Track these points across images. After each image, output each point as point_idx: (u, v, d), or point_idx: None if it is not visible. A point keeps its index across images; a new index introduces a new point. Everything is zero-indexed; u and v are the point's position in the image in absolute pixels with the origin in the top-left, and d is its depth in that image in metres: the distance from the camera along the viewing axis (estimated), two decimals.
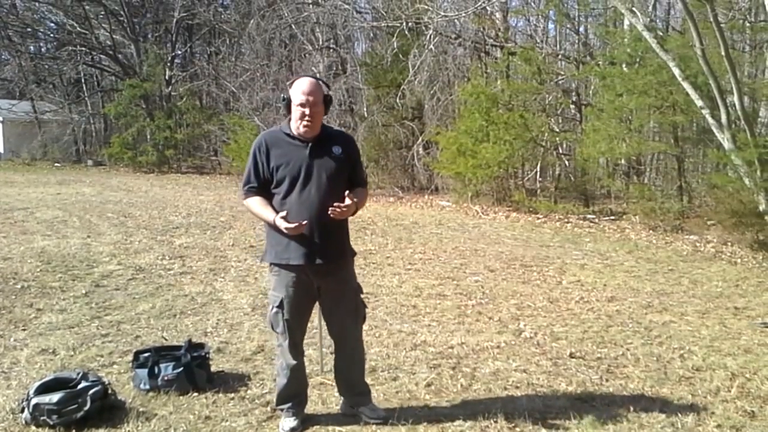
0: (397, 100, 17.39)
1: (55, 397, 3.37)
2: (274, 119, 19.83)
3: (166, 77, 26.16)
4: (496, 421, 3.50)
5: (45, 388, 3.45)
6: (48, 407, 3.34)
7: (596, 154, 12.90)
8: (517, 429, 3.43)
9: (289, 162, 3.29)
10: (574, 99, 15.91)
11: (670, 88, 11.20)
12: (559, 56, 17.34)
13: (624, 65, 13.03)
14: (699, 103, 10.12)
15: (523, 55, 14.72)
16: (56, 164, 26.31)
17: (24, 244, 8.40)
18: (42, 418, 3.34)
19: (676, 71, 10.20)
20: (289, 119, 3.34)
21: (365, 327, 5.13)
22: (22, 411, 3.42)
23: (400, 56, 17.50)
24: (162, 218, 11.15)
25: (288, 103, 3.28)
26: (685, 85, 10.20)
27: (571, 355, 4.62)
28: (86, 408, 3.39)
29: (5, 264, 7.19)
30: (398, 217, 12.44)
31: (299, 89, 3.25)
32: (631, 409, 3.70)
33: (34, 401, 3.37)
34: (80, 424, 3.34)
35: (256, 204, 3.37)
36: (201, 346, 4.20)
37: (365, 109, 19.44)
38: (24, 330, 4.96)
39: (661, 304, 6.20)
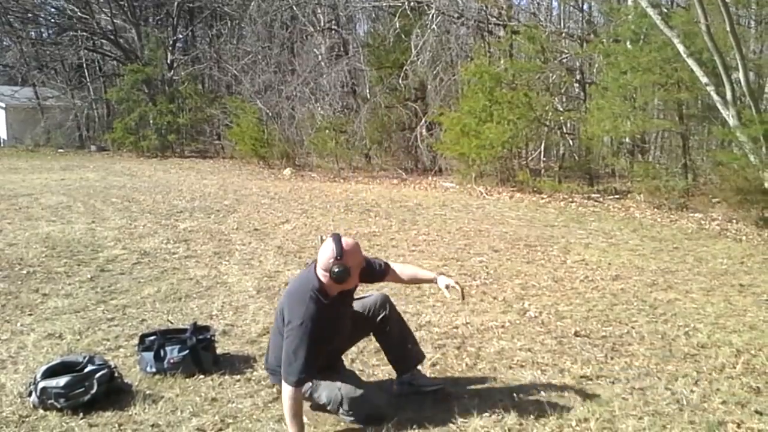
0: (400, 81, 17.33)
1: (62, 380, 3.38)
2: (276, 102, 19.79)
3: (168, 61, 26.09)
4: (501, 400, 3.51)
5: (52, 372, 3.47)
6: (55, 391, 3.36)
7: (600, 132, 12.84)
8: (522, 407, 3.44)
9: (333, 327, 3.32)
10: (578, 77, 15.81)
11: (674, 65, 11.10)
12: (563, 34, 17.20)
13: (628, 42, 12.91)
14: (704, 79, 10.03)
15: (527, 33, 14.62)
16: (59, 150, 26.33)
17: (29, 229, 8.42)
18: (49, 401, 3.36)
19: (681, 48, 10.11)
20: (317, 276, 3.26)
21: None
22: (30, 395, 3.44)
23: (403, 36, 17.41)
24: (166, 202, 11.16)
25: (348, 272, 3.20)
26: (690, 62, 10.11)
27: (576, 334, 4.62)
28: (93, 391, 3.41)
29: (11, 250, 7.21)
30: (402, 199, 12.43)
31: (357, 266, 3.30)
32: (636, 386, 3.71)
33: (41, 385, 3.39)
34: (87, 407, 3.36)
35: (299, 408, 3.14)
36: (206, 328, 4.21)
37: (368, 91, 19.37)
38: (30, 315, 4.98)
39: (665, 282, 6.20)
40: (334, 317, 3.27)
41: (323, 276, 3.22)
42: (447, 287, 3.52)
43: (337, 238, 3.22)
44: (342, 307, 3.36)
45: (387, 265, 3.61)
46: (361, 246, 3.34)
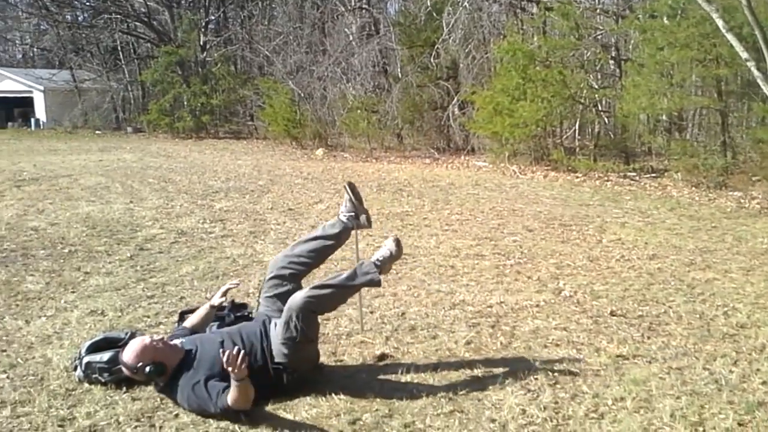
0: (432, 60, 17.19)
1: (105, 355, 3.47)
2: (308, 82, 19.83)
3: (201, 43, 26.26)
4: (536, 378, 3.52)
5: (96, 348, 3.56)
6: (99, 365, 3.45)
7: (637, 110, 12.61)
8: (558, 385, 3.44)
9: None
10: (613, 54, 15.50)
11: (713, 40, 10.83)
12: (598, 10, 16.85)
13: (665, 18, 12.61)
14: (744, 55, 9.76)
15: (561, 9, 14.35)
16: (97, 132, 26.80)
17: (69, 209, 8.61)
18: (94, 375, 3.46)
19: (720, 23, 9.85)
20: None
21: (404, 287, 5.20)
22: (75, 369, 3.54)
23: (434, 14, 17.27)
24: (202, 183, 11.31)
25: (160, 367, 3.23)
26: (729, 37, 9.85)
27: (612, 313, 4.59)
28: None
29: (53, 229, 7.39)
30: (434, 179, 12.41)
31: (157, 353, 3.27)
32: (674, 366, 3.68)
33: (86, 360, 3.49)
34: (130, 381, 3.44)
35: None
36: (244, 306, 4.28)
37: (399, 70, 19.27)
38: (73, 292, 5.12)
39: (704, 261, 6.11)
40: (200, 361, 3.27)
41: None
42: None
43: (124, 349, 3.28)
44: (195, 354, 3.31)
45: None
46: (146, 342, 3.26)
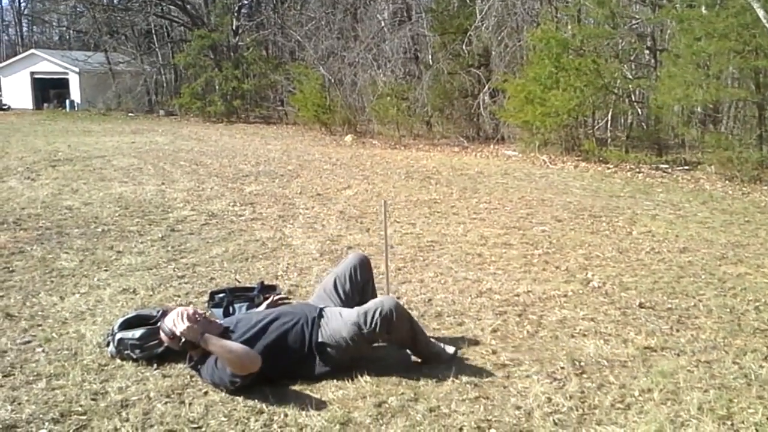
0: (464, 47, 17.08)
1: (137, 332, 3.54)
2: (339, 68, 19.83)
3: (233, 27, 26.39)
4: (562, 367, 3.51)
5: (128, 324, 3.63)
6: (131, 342, 3.52)
7: (671, 101, 12.42)
8: (584, 375, 3.43)
9: None
10: (648, 44, 15.26)
11: (753, 30, 10.61)
12: None
13: (703, 7, 12.38)
14: None
15: None
16: (130, 114, 27.13)
17: (103, 190, 8.76)
18: (126, 351, 3.53)
19: (761, 13, 9.66)
20: None
21: (431, 274, 5.21)
22: (108, 345, 3.61)
23: (467, 1, 17.14)
24: (232, 166, 11.41)
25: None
26: None
27: (641, 305, 4.55)
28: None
29: (86, 209, 7.53)
30: (463, 167, 12.36)
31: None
32: (703, 359, 3.64)
33: (118, 336, 3.56)
34: (161, 358, 3.51)
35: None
36: (273, 288, 4.33)
37: (430, 57, 19.19)
38: (106, 271, 5.21)
39: (736, 255, 6.02)
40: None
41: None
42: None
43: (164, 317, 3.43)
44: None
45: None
46: (188, 312, 3.37)
